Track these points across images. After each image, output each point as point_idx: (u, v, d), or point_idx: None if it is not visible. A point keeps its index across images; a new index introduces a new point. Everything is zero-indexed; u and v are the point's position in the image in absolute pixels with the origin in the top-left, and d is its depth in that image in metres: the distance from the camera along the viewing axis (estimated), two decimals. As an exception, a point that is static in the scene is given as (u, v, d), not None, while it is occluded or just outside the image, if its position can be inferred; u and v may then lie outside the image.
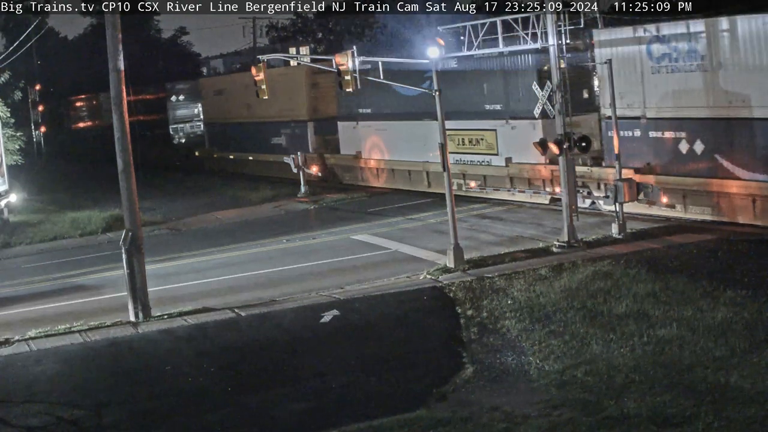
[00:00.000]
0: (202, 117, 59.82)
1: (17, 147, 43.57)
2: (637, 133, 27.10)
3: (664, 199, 26.29)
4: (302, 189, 39.64)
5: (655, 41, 26.28)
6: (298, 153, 40.20)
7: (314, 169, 40.62)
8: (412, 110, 35.75)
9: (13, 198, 37.81)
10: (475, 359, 16.12)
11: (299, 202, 38.35)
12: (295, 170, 40.12)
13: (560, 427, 12.78)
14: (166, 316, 20.85)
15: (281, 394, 15.36)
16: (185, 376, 16.67)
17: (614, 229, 25.03)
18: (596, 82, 29.13)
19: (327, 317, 19.56)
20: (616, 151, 25.57)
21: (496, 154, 32.54)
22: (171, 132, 63.84)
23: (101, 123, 72.51)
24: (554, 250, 24.11)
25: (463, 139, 33.87)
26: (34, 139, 65.43)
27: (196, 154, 57.77)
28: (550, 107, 24.82)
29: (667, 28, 23.58)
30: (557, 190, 28.13)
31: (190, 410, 15.03)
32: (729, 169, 24.89)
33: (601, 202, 27.95)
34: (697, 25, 23.51)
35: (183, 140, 63.19)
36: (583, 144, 24.92)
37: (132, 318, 20.87)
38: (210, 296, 22.88)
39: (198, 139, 60.54)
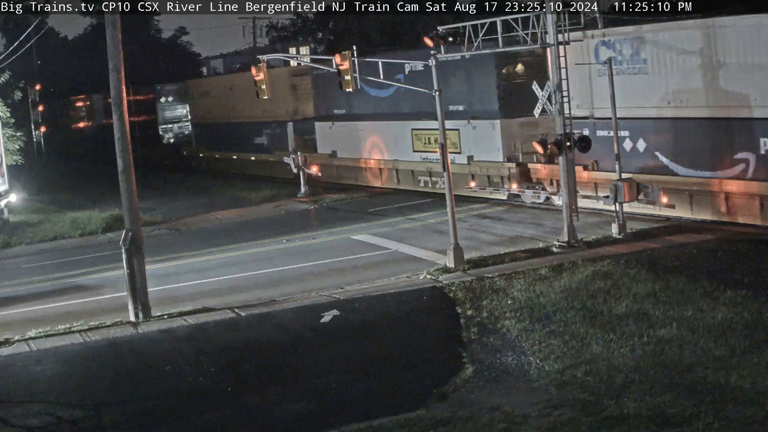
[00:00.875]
0: (189, 117, 61.28)
1: (17, 147, 43.59)
2: (586, 132, 28.02)
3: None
4: (302, 189, 39.65)
5: (602, 45, 27.62)
6: (299, 153, 40.24)
7: (314, 170, 40.63)
8: (383, 111, 38.04)
9: (13, 198, 37.81)
10: (475, 359, 16.12)
11: (299, 202, 38.36)
12: (295, 170, 40.13)
13: (560, 427, 12.79)
14: (166, 316, 20.85)
15: (281, 394, 15.36)
16: (185, 375, 16.68)
17: (614, 229, 25.04)
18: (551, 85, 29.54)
19: (327, 317, 19.56)
20: (616, 152, 25.57)
21: (459, 153, 33.81)
22: (160, 132, 65.18)
23: (94, 123, 74.26)
24: (554, 250, 24.11)
25: (429, 138, 35.28)
26: (34, 139, 65.45)
27: (184, 153, 59.27)
28: (551, 107, 24.82)
29: (613, 34, 24.29)
30: (514, 186, 30.42)
31: (190, 410, 15.03)
32: (668, 166, 26.40)
33: (554, 197, 28.93)
34: (637, 32, 24.39)
35: (172, 140, 64.61)
36: (583, 144, 24.93)
37: (132, 318, 20.87)
38: (210, 296, 22.88)
39: (186, 138, 62.14)
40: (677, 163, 26.12)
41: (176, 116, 63.45)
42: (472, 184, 32.98)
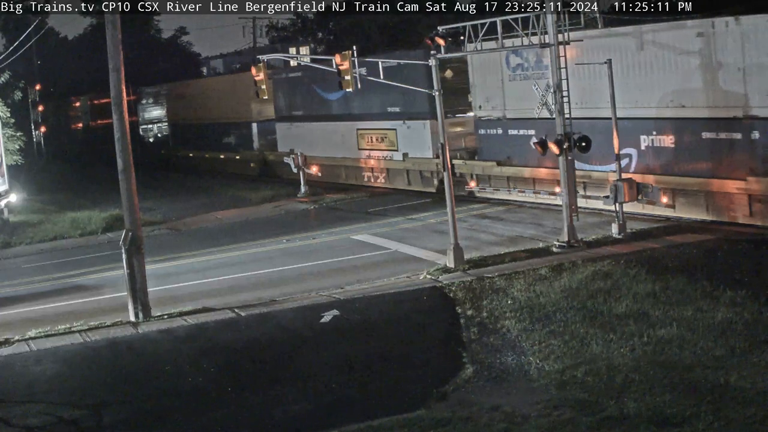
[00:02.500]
0: (167, 119, 63.59)
1: (17, 147, 43.59)
2: (500, 131, 31.94)
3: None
4: (302, 189, 39.69)
5: (511, 53, 29.95)
6: (299, 153, 40.35)
7: (314, 170, 40.81)
8: (333, 112, 41.75)
9: (13, 198, 37.82)
10: (475, 359, 16.12)
11: (299, 202, 38.37)
12: (295, 170, 40.20)
13: (560, 427, 12.78)
14: (166, 316, 20.85)
15: (281, 394, 15.36)
16: (185, 375, 16.67)
17: (614, 229, 25.04)
18: (471, 88, 33.34)
19: (327, 317, 19.56)
20: (617, 152, 25.57)
21: (396, 150, 37.62)
22: (141, 132, 66.72)
23: (82, 124, 76.23)
24: (554, 250, 24.11)
25: (371, 137, 39.22)
26: (34, 139, 65.52)
27: (162, 152, 61.39)
28: (551, 107, 24.86)
29: (520, 42, 25.87)
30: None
31: (190, 410, 15.04)
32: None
33: (476, 191, 32.84)
34: (536, 43, 25.69)
35: (151, 140, 66.07)
36: (583, 144, 24.92)
37: (132, 318, 20.87)
38: (210, 296, 22.88)
39: (165, 139, 64.06)
40: (576, 159, 27.70)
41: (155, 117, 65.10)
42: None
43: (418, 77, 29.55)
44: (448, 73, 33.85)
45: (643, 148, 26.84)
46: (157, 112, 64.72)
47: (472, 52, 27.28)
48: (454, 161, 33.39)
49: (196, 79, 61.10)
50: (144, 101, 65.50)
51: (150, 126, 65.99)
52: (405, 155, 37.19)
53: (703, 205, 25.67)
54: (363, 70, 29.88)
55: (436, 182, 35.32)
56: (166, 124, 63.49)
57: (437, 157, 34.02)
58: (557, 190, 29.36)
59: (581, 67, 25.78)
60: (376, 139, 38.95)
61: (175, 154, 60.07)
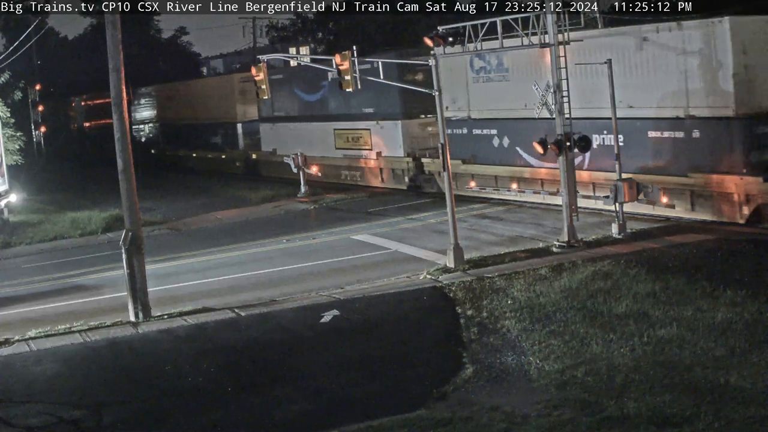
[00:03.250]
0: (158, 119, 65.21)
1: (17, 147, 43.57)
2: (465, 130, 33.49)
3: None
4: (302, 189, 39.70)
5: (475, 56, 31.28)
6: (299, 153, 40.40)
7: (314, 170, 40.91)
8: (312, 113, 43.65)
9: (13, 198, 37.80)
10: (475, 359, 16.12)
11: (299, 202, 38.37)
12: (295, 170, 40.23)
13: (560, 427, 12.78)
14: (166, 316, 20.85)
15: (281, 394, 15.36)
16: (185, 376, 16.67)
17: (614, 229, 25.03)
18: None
19: (327, 317, 19.56)
20: (616, 152, 25.58)
21: (371, 150, 39.30)
22: (133, 133, 67.65)
23: (76, 125, 77.66)
24: (554, 250, 24.11)
25: (348, 136, 41.04)
26: (34, 139, 65.54)
27: (152, 152, 62.59)
28: (552, 107, 24.89)
29: (483, 46, 26.93)
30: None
31: (190, 410, 15.04)
32: (526, 159, 31.01)
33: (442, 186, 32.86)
34: (497, 45, 26.68)
35: (143, 140, 67.25)
36: (583, 144, 24.95)
37: (132, 318, 20.87)
38: (210, 296, 22.88)
39: (156, 138, 65.46)
40: (532, 157, 30.23)
41: (147, 117, 66.11)
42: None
43: (392, 80, 30.66)
44: (419, 76, 35.23)
45: (595, 146, 27.54)
46: (148, 112, 65.72)
47: (472, 52, 27.30)
48: (423, 160, 36.02)
49: (184, 81, 62.43)
50: (136, 102, 66.84)
51: (142, 126, 67.10)
52: (378, 154, 38.94)
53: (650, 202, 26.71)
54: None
55: (406, 180, 37.34)
56: (157, 124, 64.82)
57: (408, 155, 37.03)
58: (514, 186, 32.03)
59: (540, 72, 26.51)
60: (352, 139, 40.86)
61: (165, 153, 61.39)
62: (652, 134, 26.14)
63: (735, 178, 24.58)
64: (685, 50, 25.25)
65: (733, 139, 24.63)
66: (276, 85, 45.27)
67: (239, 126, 51.60)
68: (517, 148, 31.31)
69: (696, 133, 25.45)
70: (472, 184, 33.29)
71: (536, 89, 25.61)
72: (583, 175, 27.92)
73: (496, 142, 32.19)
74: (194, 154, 57.03)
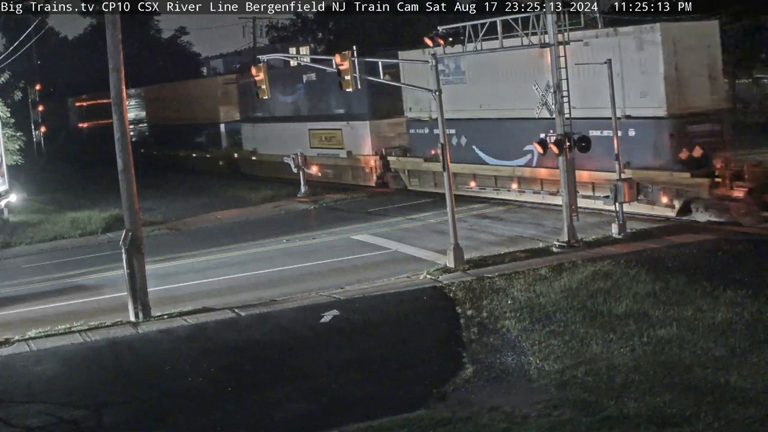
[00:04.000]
0: (146, 120, 66.72)
1: (17, 147, 43.57)
2: (427, 130, 35.04)
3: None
4: (302, 189, 39.73)
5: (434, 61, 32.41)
6: (299, 153, 40.49)
7: (314, 170, 41.00)
8: (289, 114, 45.65)
9: (13, 198, 37.80)
10: (475, 359, 16.12)
11: (299, 202, 38.38)
12: (295, 170, 40.27)
13: (560, 427, 12.78)
14: (166, 316, 20.85)
15: (281, 394, 15.36)
16: (185, 376, 16.67)
17: (614, 229, 25.03)
18: (403, 92, 36.54)
19: (327, 317, 19.56)
20: (616, 152, 25.59)
21: (342, 148, 40.99)
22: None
23: (69, 126, 78.64)
24: (554, 250, 24.11)
25: (321, 136, 42.92)
26: (34, 139, 65.58)
27: (141, 151, 62.93)
28: (551, 107, 24.91)
29: (442, 51, 27.84)
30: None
31: (190, 410, 15.04)
32: (482, 157, 32.92)
33: (407, 183, 36.82)
34: (457, 52, 27.93)
35: (134, 139, 67.34)
36: (583, 144, 24.97)
37: (132, 318, 20.87)
38: (210, 296, 22.88)
39: (144, 138, 66.36)
40: (487, 155, 32.58)
41: (136, 118, 66.96)
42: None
43: (362, 82, 31.96)
44: (387, 78, 35.60)
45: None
46: (137, 113, 66.51)
47: (471, 52, 27.32)
48: (389, 158, 38.17)
49: (171, 83, 63.70)
50: (127, 103, 67.12)
51: (132, 126, 67.57)
52: (349, 153, 40.58)
53: (592, 194, 28.65)
54: (313, 76, 33.28)
55: (374, 177, 39.36)
56: (146, 124, 66.06)
57: (376, 154, 38.99)
58: (473, 184, 33.58)
59: (496, 76, 27.79)
60: (326, 138, 42.77)
61: (153, 152, 62.54)
62: (593, 133, 27.16)
63: (666, 173, 26.15)
64: (621, 55, 26.63)
65: (665, 138, 26.18)
66: (255, 87, 46.70)
67: (222, 126, 53.40)
68: (474, 147, 33.44)
69: (632, 132, 27.03)
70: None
71: (536, 89, 25.64)
72: (541, 172, 30.39)
73: (454, 141, 33.87)
74: (181, 154, 58.80)
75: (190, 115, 56.95)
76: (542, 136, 26.45)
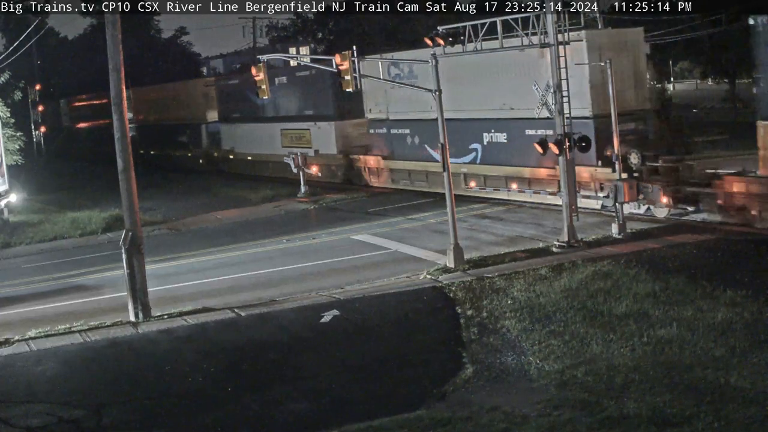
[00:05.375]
0: (134, 120, 68.01)
1: (17, 147, 43.56)
2: (384, 130, 38.28)
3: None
4: (302, 189, 39.76)
5: (391, 65, 35.52)
6: (299, 153, 40.61)
7: (314, 170, 41.07)
8: (263, 115, 48.38)
9: (13, 198, 37.80)
10: (475, 359, 16.12)
11: (299, 202, 38.38)
12: (294, 170, 40.30)
13: (560, 427, 12.79)
14: (166, 316, 20.84)
15: (281, 394, 15.36)
16: (185, 376, 16.67)
17: (614, 229, 25.04)
18: (363, 94, 38.66)
19: (327, 317, 19.56)
20: (616, 152, 25.61)
21: (310, 148, 43.49)
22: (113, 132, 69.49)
23: (67, 126, 79.74)
24: (554, 250, 24.11)
25: (292, 136, 45.51)
26: (34, 139, 65.61)
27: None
28: (551, 107, 24.93)
29: (398, 56, 31.85)
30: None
31: (190, 410, 15.03)
32: (433, 155, 34.44)
33: (368, 180, 39.33)
34: (411, 56, 30.88)
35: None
36: (583, 144, 24.99)
37: (132, 318, 20.87)
38: (210, 296, 22.88)
39: (132, 138, 65.48)
40: (437, 153, 32.16)
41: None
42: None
43: (326, 85, 35.54)
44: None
45: (485, 143, 32.90)
46: (128, 113, 66.63)
47: (471, 52, 27.34)
48: (352, 156, 40.87)
49: (157, 85, 65.43)
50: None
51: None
52: (316, 152, 43.03)
53: (528, 188, 31.43)
54: (285, 79, 35.00)
55: (340, 174, 41.86)
56: (133, 125, 67.04)
57: (340, 153, 41.56)
58: (423, 181, 35.69)
59: (446, 77, 27.52)
60: (296, 138, 45.34)
61: (139, 151, 64.01)
62: (528, 132, 29.80)
63: (591, 169, 28.51)
64: (552, 62, 26.97)
65: (590, 136, 27.14)
66: (233, 88, 52.67)
67: (203, 127, 56.17)
68: (425, 145, 35.75)
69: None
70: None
71: (536, 89, 25.68)
72: (484, 169, 33.21)
73: (409, 140, 36.74)
74: (165, 153, 61.11)
75: (173, 116, 59.63)
76: (537, 133, 28.07)
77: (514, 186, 32.47)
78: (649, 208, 27.28)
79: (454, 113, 32.22)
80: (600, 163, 28.11)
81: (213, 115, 54.85)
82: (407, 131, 36.70)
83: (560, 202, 26.00)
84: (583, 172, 28.26)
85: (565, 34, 24.86)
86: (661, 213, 26.95)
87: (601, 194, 28.03)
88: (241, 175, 49.31)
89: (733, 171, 25.70)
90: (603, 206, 27.55)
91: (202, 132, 56.46)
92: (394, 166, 38.11)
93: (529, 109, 28.97)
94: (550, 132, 26.67)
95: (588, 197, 28.51)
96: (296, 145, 44.60)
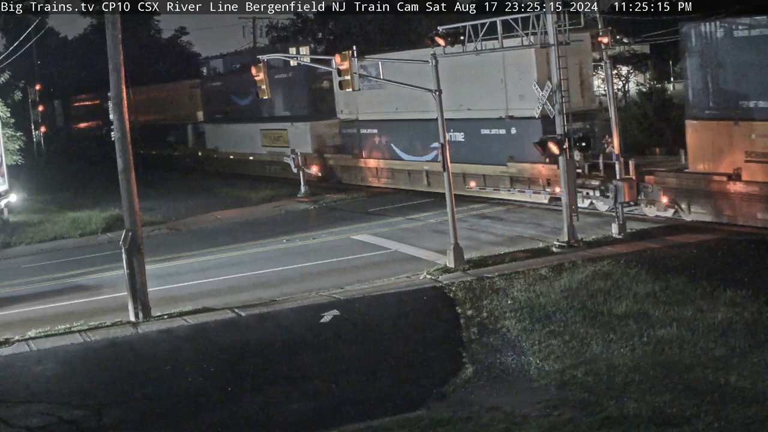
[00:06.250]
0: None
1: (17, 147, 43.53)
2: (355, 130, 40.32)
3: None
4: (302, 189, 39.75)
5: (360, 67, 35.19)
6: (299, 153, 40.63)
7: (314, 170, 41.11)
8: (244, 115, 51.43)
9: (13, 198, 37.78)
10: (475, 359, 16.12)
11: (299, 202, 38.38)
12: (295, 170, 40.32)
13: (560, 427, 12.79)
14: (166, 316, 20.85)
15: (281, 394, 15.36)
16: (185, 376, 16.67)
17: (614, 229, 25.03)
18: (337, 96, 40.94)
19: (327, 317, 19.56)
20: (617, 152, 25.60)
21: (287, 147, 44.63)
22: (106, 132, 71.55)
23: (62, 126, 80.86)
24: (554, 250, 24.11)
25: (271, 136, 47.53)
26: (34, 139, 65.54)
27: None
28: (551, 107, 24.94)
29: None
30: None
31: (190, 410, 15.04)
32: (398, 153, 37.77)
33: (340, 177, 40.78)
34: (378, 59, 31.38)
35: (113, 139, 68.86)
36: (584, 144, 24.99)
37: (132, 318, 20.87)
38: (210, 296, 22.88)
39: None
40: (402, 151, 37.40)
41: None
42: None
43: (302, 87, 37.67)
44: (325, 84, 43.20)
45: (443, 141, 32.64)
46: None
47: (471, 52, 27.34)
48: (326, 155, 42.66)
49: (146, 86, 66.13)
50: (110, 104, 68.71)
51: (113, 127, 68.63)
52: (293, 151, 43.08)
53: (484, 185, 33.17)
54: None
55: (314, 172, 42.61)
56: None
57: (315, 152, 42.78)
58: (385, 178, 38.04)
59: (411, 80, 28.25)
60: (274, 138, 47.30)
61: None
62: (483, 132, 31.96)
63: (539, 165, 30.23)
64: (505, 66, 31.01)
65: (537, 135, 28.76)
66: (217, 90, 56.26)
67: (189, 127, 58.43)
68: (392, 145, 38.09)
69: (513, 130, 31.60)
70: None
71: (536, 89, 25.71)
72: (438, 166, 32.78)
73: (377, 139, 39.00)
74: (153, 152, 61.65)
75: (161, 116, 61.99)
76: (491, 133, 30.40)
77: (473, 184, 33.41)
78: (591, 203, 28.74)
79: (417, 114, 35.12)
80: (547, 160, 29.12)
81: (198, 116, 57.50)
82: (375, 131, 38.87)
83: (514, 198, 29.06)
84: (534, 169, 30.63)
85: (566, 34, 24.92)
86: (603, 207, 28.32)
87: (548, 189, 30.04)
88: (224, 174, 51.48)
89: (664, 168, 27.45)
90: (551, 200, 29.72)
91: (187, 132, 58.48)
92: (364, 164, 40.09)
93: (484, 110, 31.62)
94: (503, 132, 29.76)
95: (537, 193, 30.76)
96: (275, 144, 46.92)
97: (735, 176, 24.64)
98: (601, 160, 27.89)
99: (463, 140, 33.73)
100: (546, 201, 30.54)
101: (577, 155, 27.98)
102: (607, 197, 27.26)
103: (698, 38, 25.58)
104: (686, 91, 26.61)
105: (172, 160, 59.78)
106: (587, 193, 28.41)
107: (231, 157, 52.12)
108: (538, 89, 27.66)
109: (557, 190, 27.17)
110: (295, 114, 45.69)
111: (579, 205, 27.86)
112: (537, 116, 29.65)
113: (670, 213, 26.58)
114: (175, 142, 60.49)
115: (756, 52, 24.09)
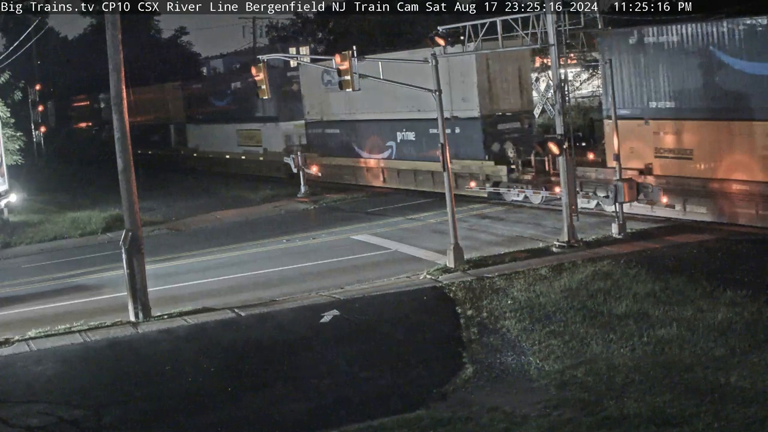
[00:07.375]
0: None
1: (17, 147, 43.54)
2: (320, 130, 42.66)
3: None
4: (302, 189, 39.75)
5: (324, 72, 39.46)
6: (299, 153, 40.63)
7: (314, 170, 41.07)
8: (222, 116, 53.53)
9: (13, 198, 37.78)
10: (475, 359, 16.12)
11: (299, 202, 38.38)
12: (295, 170, 40.31)
13: (560, 427, 12.79)
14: (166, 316, 20.85)
15: (281, 394, 15.37)
16: (185, 376, 16.68)
17: (614, 229, 25.04)
18: (304, 98, 43.32)
19: (327, 317, 19.57)
20: (616, 151, 25.60)
21: (261, 146, 48.36)
22: (96, 132, 74.33)
23: (58, 126, 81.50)
24: (554, 250, 24.11)
25: (246, 136, 50.43)
26: (34, 139, 65.55)
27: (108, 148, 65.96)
28: (550, 107, 24.96)
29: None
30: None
31: (190, 410, 15.04)
32: (359, 153, 40.08)
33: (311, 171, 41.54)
34: (331, 64, 31.27)
35: (107, 139, 68.87)
36: (583, 144, 25.00)
37: (132, 318, 20.87)
38: (210, 296, 22.88)
39: (111, 137, 67.32)
40: (361, 150, 39.88)
41: (107, 120, 67.55)
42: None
43: (273, 89, 36.34)
44: (294, 86, 45.24)
45: (398, 141, 37.28)
46: (110, 114, 67.50)
47: (471, 52, 27.35)
48: (293, 154, 42.85)
49: (134, 87, 65.50)
50: (102, 105, 72.24)
51: (106, 126, 69.81)
52: (265, 150, 47.66)
53: (432, 184, 35.36)
54: (239, 84, 41.50)
55: (283, 169, 44.09)
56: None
57: (284, 150, 44.47)
58: (360, 178, 39.64)
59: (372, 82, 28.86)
60: (249, 138, 50.12)
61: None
62: (432, 131, 32.65)
63: (479, 162, 32.87)
64: (449, 69, 32.08)
65: (478, 134, 32.70)
66: (197, 92, 58.33)
67: (171, 127, 61.17)
68: (353, 144, 40.28)
69: (457, 130, 33.26)
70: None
71: (535, 89, 25.73)
72: (399, 163, 37.48)
73: (341, 139, 41.14)
74: (139, 151, 62.98)
75: (147, 117, 63.64)
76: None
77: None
78: (526, 196, 30.95)
79: (373, 114, 37.84)
80: (487, 157, 32.24)
81: (180, 117, 59.90)
82: (338, 131, 41.17)
83: (462, 193, 30.31)
84: (474, 165, 33.00)
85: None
86: (536, 200, 30.68)
87: (487, 185, 32.31)
88: (202, 171, 54.39)
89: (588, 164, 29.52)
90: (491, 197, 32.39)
91: (170, 132, 61.37)
92: (328, 162, 41.98)
93: (432, 111, 31.41)
94: (448, 131, 29.47)
95: (482, 188, 32.83)
96: (250, 144, 49.93)
97: (647, 171, 26.94)
98: (532, 157, 30.26)
99: (413, 139, 36.19)
100: (485, 195, 32.65)
101: (511, 152, 31.53)
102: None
103: (610, 48, 27.54)
104: (604, 95, 28.68)
105: (155, 159, 61.69)
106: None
107: (210, 155, 54.99)
108: (538, 89, 27.72)
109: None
110: (267, 115, 47.99)
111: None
112: (477, 115, 32.23)
113: (592, 204, 28.66)
114: (158, 142, 63.06)
115: (659, 58, 26.38)
